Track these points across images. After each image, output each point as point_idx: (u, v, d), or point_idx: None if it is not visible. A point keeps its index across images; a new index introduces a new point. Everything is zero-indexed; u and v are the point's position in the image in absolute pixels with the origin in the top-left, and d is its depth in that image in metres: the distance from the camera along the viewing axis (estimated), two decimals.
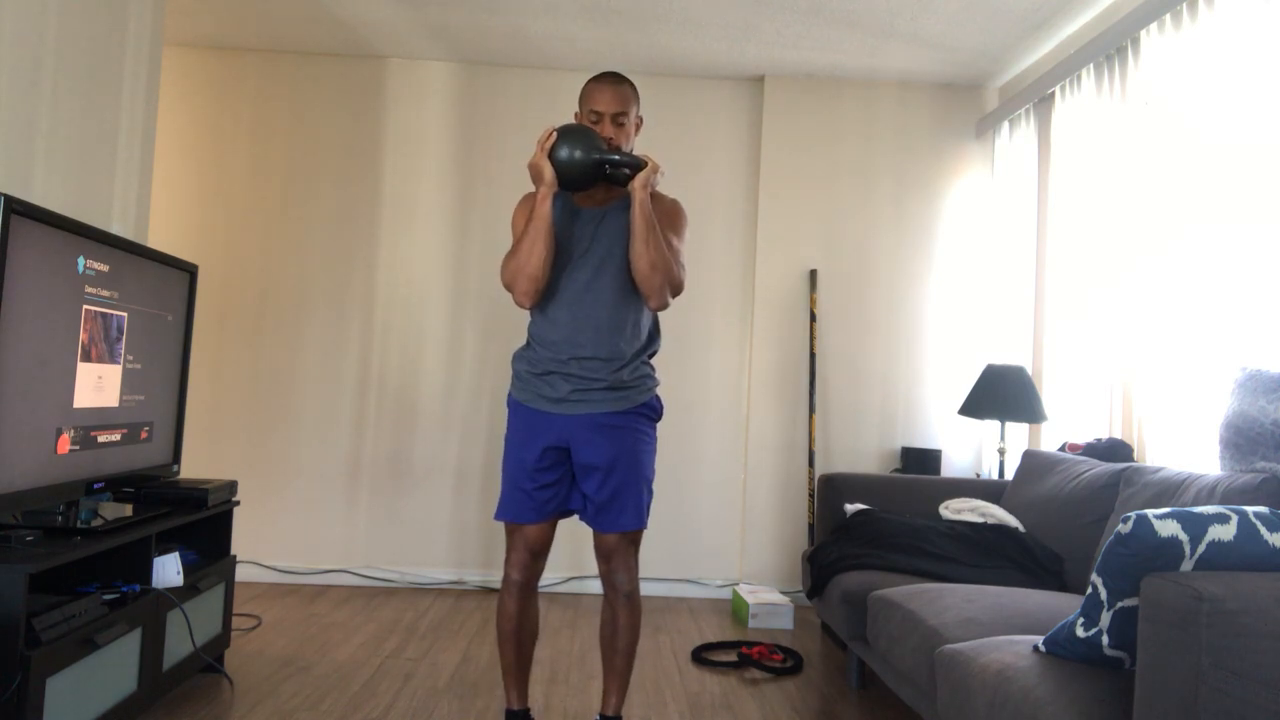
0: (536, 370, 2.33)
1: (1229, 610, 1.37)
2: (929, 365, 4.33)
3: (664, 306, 2.31)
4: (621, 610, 2.36)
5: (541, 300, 2.33)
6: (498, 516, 2.36)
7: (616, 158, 2.23)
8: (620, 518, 2.30)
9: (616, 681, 2.40)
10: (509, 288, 2.30)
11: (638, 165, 2.23)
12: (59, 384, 2.22)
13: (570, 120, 2.51)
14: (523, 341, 4.28)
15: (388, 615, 3.72)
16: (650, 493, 2.36)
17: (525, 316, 4.34)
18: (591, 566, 4.28)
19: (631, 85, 2.35)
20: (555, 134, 2.24)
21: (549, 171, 2.23)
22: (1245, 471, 2.18)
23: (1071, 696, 1.63)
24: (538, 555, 2.37)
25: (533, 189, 2.34)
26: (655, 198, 2.36)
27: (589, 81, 2.36)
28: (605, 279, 2.30)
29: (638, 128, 2.39)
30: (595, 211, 2.35)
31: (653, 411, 2.39)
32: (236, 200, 4.33)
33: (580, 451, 2.29)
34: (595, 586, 4.25)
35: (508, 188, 4.36)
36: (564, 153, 2.22)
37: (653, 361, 2.44)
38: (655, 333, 2.44)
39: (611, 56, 4.21)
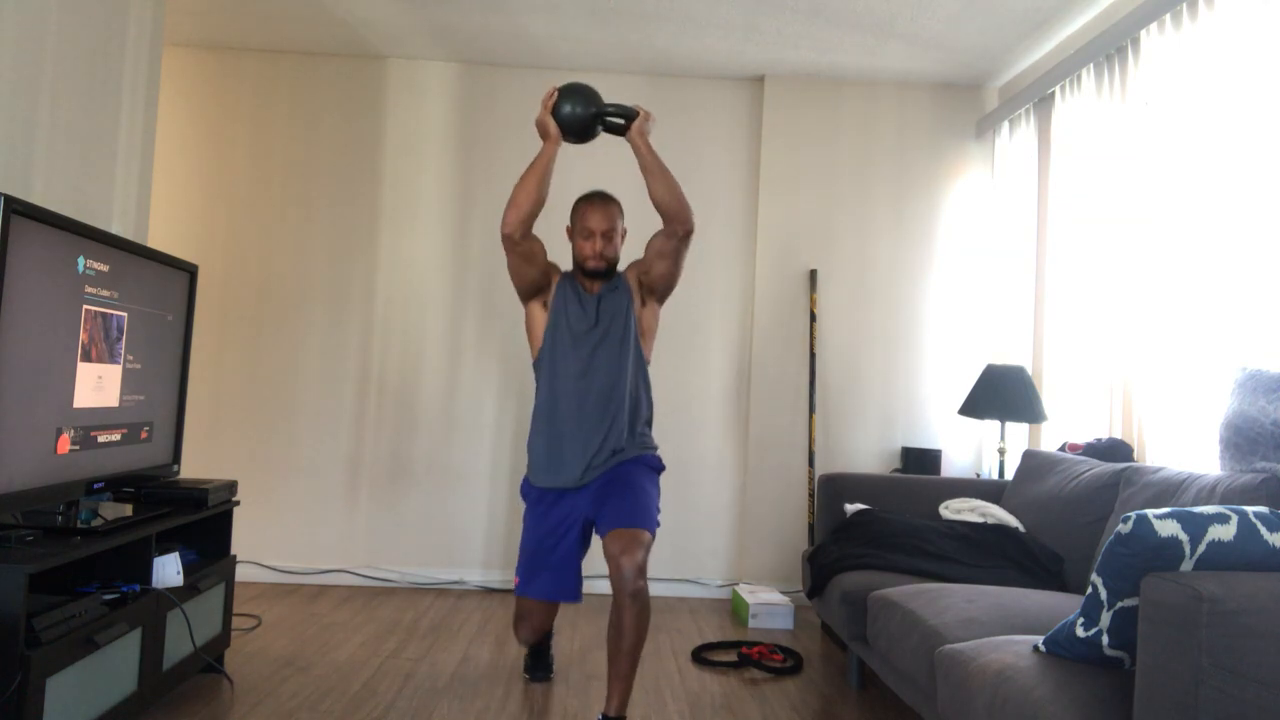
0: (552, 446, 2.60)
1: (1229, 610, 1.37)
2: (929, 365, 4.33)
3: (691, 226, 2.53)
4: (628, 611, 2.37)
5: (549, 374, 2.63)
6: (519, 591, 2.66)
7: (610, 109, 2.56)
8: (630, 511, 2.46)
9: (620, 683, 2.40)
10: (503, 218, 2.55)
11: (631, 115, 2.55)
12: (59, 384, 2.21)
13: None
14: (521, 341, 4.32)
15: (388, 615, 3.72)
16: (656, 521, 2.54)
17: (524, 314, 4.34)
18: (591, 567, 4.28)
19: (616, 202, 2.69)
20: (557, 93, 2.53)
21: (554, 127, 2.54)
22: (1245, 471, 2.17)
23: (1071, 696, 1.63)
24: (543, 628, 2.75)
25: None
26: None
27: (579, 201, 2.69)
28: (606, 353, 2.61)
29: (623, 236, 2.70)
30: (594, 296, 2.69)
31: (654, 459, 2.67)
32: (237, 200, 4.33)
33: (597, 504, 2.57)
34: (594, 587, 4.25)
35: (507, 187, 4.34)
36: (566, 109, 2.53)
37: (651, 426, 2.74)
38: (649, 399, 2.72)
39: (611, 56, 4.21)
